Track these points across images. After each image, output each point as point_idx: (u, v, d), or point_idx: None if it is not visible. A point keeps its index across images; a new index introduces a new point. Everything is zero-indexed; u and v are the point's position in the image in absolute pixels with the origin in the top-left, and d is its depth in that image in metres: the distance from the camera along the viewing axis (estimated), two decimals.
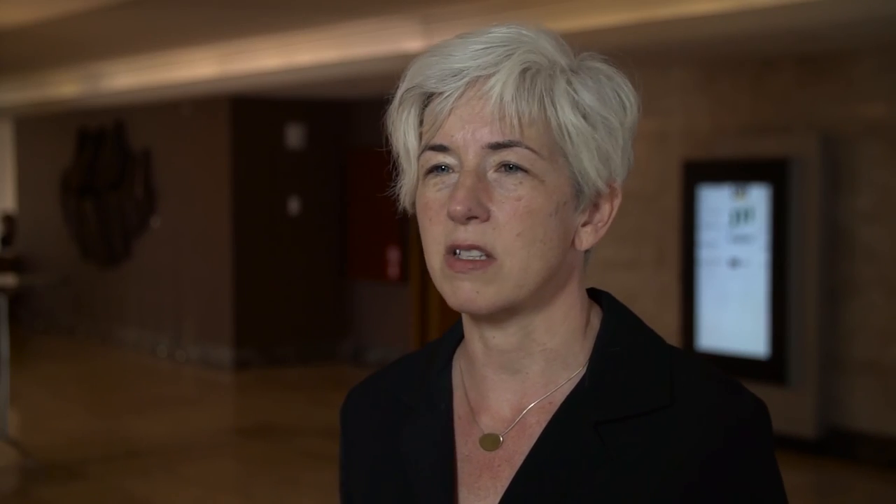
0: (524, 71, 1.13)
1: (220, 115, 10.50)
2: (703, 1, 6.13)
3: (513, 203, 1.13)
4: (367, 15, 7.63)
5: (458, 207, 1.11)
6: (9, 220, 15.03)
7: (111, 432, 8.08)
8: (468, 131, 1.13)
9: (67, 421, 8.48)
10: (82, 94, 11.42)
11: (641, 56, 7.15)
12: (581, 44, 1.20)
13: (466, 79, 1.13)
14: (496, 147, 1.13)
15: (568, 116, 1.14)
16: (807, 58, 7.20)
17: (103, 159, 12.25)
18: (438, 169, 1.16)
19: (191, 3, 7.20)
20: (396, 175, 1.22)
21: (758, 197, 7.20)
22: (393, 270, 10.33)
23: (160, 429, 8.15)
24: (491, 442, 1.20)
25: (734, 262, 7.32)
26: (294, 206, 10.69)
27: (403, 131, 1.19)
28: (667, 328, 7.58)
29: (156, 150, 11.53)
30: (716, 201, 7.41)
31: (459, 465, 1.21)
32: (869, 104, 6.97)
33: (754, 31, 6.34)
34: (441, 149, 1.15)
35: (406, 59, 1.19)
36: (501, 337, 1.19)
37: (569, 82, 1.15)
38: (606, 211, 1.20)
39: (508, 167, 1.13)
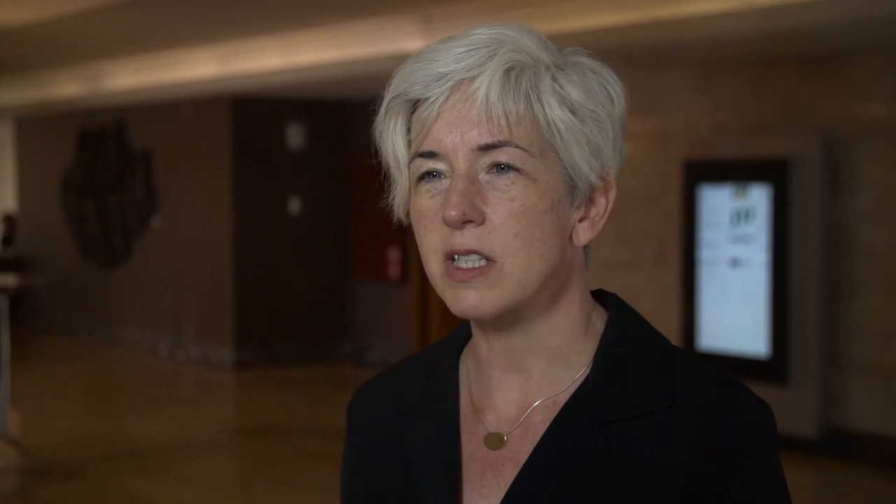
0: (508, 70, 1.13)
1: (220, 115, 10.50)
2: (703, 1, 6.13)
3: (507, 204, 1.12)
4: (367, 15, 7.63)
5: (453, 213, 1.11)
6: (9, 220, 15.04)
7: (111, 432, 8.08)
8: (456, 135, 1.13)
9: (67, 421, 8.48)
10: (83, 94, 11.43)
11: (641, 56, 7.16)
12: (580, 44, 1.20)
13: (451, 82, 1.13)
14: (486, 148, 1.12)
15: (555, 112, 1.13)
16: (807, 58, 7.20)
17: (104, 159, 12.26)
18: (430, 175, 1.15)
19: (191, 3, 7.20)
20: (389, 185, 1.22)
21: (758, 197, 7.20)
22: (393, 270, 10.34)
23: (160, 429, 8.15)
24: (495, 441, 1.21)
25: (735, 262, 7.32)
26: (294, 206, 10.69)
27: (392, 141, 1.18)
28: (667, 328, 7.58)
29: (156, 150, 11.54)
30: (716, 201, 7.41)
31: (464, 463, 1.22)
32: (869, 104, 6.97)
33: (754, 31, 6.34)
34: (430, 155, 1.14)
35: (406, 60, 1.18)
36: (505, 338, 1.20)
37: (554, 78, 1.14)
38: (602, 205, 1.20)
39: (500, 167, 1.13)
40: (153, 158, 11.56)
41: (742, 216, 7.29)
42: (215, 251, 10.65)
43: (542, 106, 1.13)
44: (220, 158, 10.54)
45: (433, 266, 1.16)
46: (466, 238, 1.12)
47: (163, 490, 6.59)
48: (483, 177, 1.13)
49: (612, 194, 1.20)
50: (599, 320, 1.23)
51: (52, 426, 8.27)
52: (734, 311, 7.31)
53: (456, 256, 1.13)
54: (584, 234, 1.19)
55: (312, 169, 10.77)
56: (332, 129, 10.82)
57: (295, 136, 10.65)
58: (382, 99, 1.19)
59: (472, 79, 1.12)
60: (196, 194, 10.91)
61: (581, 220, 1.19)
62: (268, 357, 10.64)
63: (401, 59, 1.20)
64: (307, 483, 6.72)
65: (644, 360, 1.19)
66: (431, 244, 1.15)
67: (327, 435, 7.71)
